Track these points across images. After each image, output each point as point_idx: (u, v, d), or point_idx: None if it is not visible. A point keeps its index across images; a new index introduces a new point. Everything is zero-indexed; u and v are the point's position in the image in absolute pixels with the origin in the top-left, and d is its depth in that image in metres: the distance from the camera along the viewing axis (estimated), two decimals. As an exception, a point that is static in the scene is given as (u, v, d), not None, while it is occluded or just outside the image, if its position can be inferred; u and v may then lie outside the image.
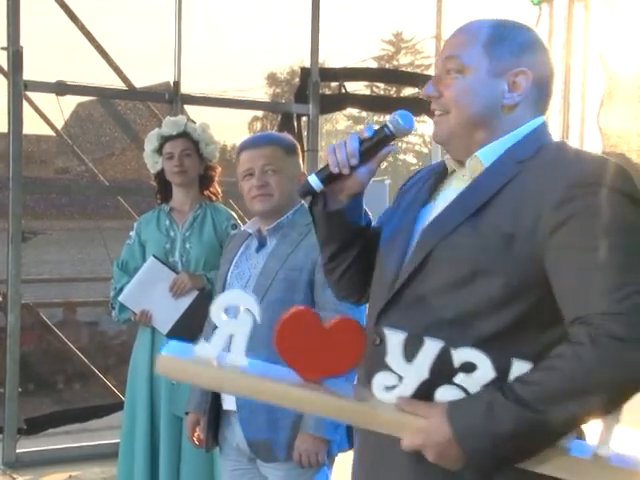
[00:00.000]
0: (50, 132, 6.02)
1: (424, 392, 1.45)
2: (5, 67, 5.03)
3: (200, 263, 3.54)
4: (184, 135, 3.61)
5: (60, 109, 5.42)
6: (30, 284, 6.36)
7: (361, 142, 1.61)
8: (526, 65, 1.57)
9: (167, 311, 3.49)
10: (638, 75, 6.48)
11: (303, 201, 2.57)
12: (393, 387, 1.47)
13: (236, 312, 1.50)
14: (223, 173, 3.84)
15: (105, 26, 6.10)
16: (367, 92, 11.32)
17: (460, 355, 1.43)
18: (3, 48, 4.96)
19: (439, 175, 1.68)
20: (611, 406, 1.40)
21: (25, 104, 5.12)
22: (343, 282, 1.80)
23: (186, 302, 3.48)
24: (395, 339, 1.46)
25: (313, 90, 5.83)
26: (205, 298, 3.33)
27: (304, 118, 5.91)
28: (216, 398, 2.58)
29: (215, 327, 1.51)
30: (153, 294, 3.47)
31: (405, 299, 1.56)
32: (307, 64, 5.93)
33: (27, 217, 5.56)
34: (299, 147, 2.71)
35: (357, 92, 7.28)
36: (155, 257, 3.51)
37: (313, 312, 1.54)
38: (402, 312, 1.56)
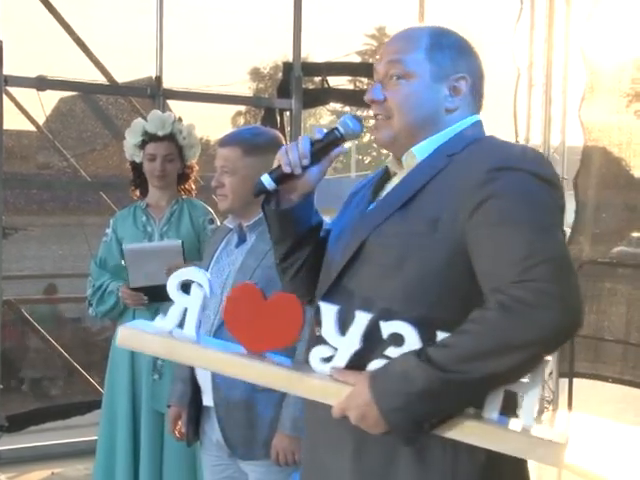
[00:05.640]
0: (31, 127, 5.96)
1: (361, 366, 1.53)
2: (-15, 62, 4.99)
3: (179, 258, 3.50)
4: (169, 138, 3.55)
5: (41, 104, 5.38)
6: (11, 280, 6.31)
7: (312, 143, 1.69)
8: (465, 71, 1.67)
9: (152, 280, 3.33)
10: (619, 69, 6.51)
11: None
12: (329, 359, 1.55)
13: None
14: (205, 168, 3.80)
15: (85, 20, 6.03)
16: (350, 87, 11.28)
17: (388, 327, 1.51)
18: (-18, 43, 4.91)
19: (383, 177, 1.77)
20: (520, 369, 1.46)
21: (5, 99, 5.08)
22: (296, 282, 1.84)
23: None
24: (329, 312, 1.54)
25: (296, 85, 5.82)
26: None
27: (287, 113, 5.90)
28: (196, 393, 2.57)
29: None
30: (149, 267, 3.34)
31: (343, 287, 1.65)
32: (290, 59, 5.91)
33: (8, 213, 5.51)
34: (273, 146, 2.48)
35: (340, 87, 7.28)
36: (182, 244, 3.36)
37: (257, 288, 1.63)
38: (341, 300, 1.61)
